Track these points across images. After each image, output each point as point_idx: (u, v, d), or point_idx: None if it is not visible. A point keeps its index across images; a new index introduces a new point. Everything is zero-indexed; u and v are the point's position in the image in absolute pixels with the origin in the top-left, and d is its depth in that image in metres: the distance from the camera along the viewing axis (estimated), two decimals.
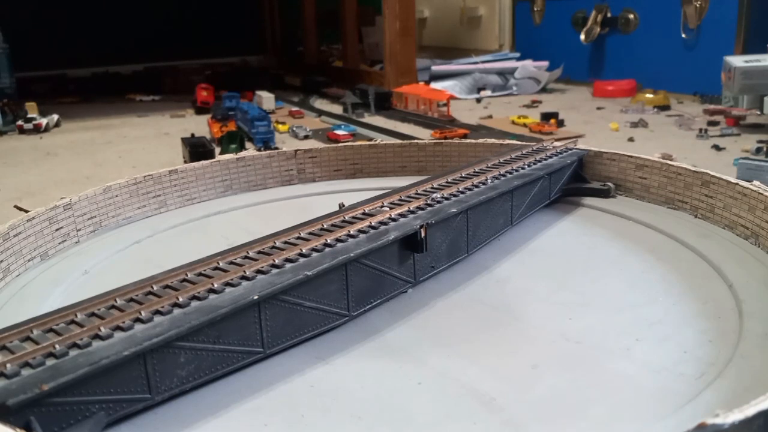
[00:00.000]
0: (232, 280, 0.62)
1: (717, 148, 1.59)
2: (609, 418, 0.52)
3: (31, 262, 0.85)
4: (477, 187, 0.89)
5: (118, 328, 0.54)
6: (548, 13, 3.26)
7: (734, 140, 1.69)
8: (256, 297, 0.59)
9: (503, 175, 0.95)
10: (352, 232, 0.73)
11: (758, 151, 1.49)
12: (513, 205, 0.93)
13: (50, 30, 3.85)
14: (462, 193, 0.87)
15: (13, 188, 1.46)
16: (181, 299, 0.58)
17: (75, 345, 0.52)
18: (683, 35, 2.50)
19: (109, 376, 0.51)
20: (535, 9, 3.32)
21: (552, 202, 1.04)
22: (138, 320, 0.55)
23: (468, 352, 0.64)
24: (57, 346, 0.51)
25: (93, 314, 0.57)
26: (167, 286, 0.61)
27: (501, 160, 1.03)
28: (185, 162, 1.53)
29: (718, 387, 0.54)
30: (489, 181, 0.92)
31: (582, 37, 2.93)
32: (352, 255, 0.68)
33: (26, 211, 0.88)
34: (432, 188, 0.88)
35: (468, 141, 1.26)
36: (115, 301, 0.59)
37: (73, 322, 0.55)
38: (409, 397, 0.57)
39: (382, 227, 0.75)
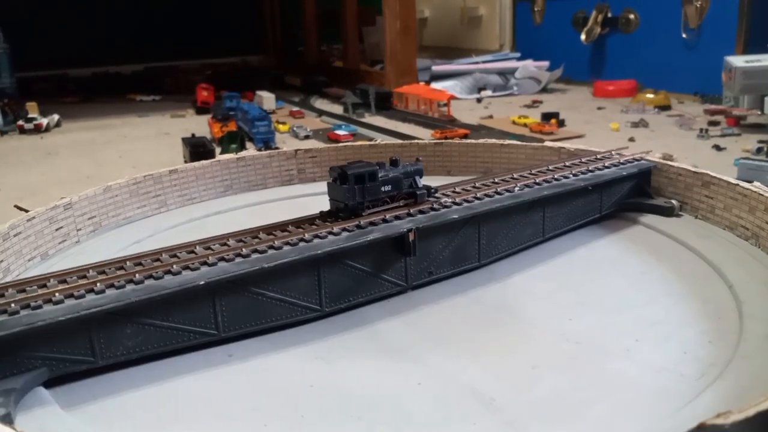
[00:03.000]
0: (192, 264, 0.66)
1: (718, 148, 1.59)
2: (609, 419, 0.52)
3: (31, 261, 0.85)
4: (500, 194, 0.85)
5: (71, 295, 0.60)
6: (549, 12, 3.26)
7: (735, 140, 1.69)
8: (202, 282, 0.63)
9: (538, 184, 0.89)
10: (334, 230, 0.73)
11: (759, 151, 1.48)
12: (545, 216, 0.89)
13: (51, 30, 3.85)
14: (479, 199, 0.83)
15: (13, 188, 1.46)
16: (137, 277, 0.63)
17: (28, 306, 0.58)
18: (684, 35, 2.50)
19: (49, 336, 0.58)
20: (536, 9, 3.32)
21: (607, 216, 0.97)
22: (91, 291, 0.61)
23: (468, 352, 0.64)
24: (12, 305, 0.58)
25: (64, 281, 0.63)
26: (139, 263, 0.67)
27: (550, 167, 0.96)
28: (185, 162, 1.53)
29: (718, 387, 0.54)
30: (517, 188, 0.87)
31: (582, 37, 2.92)
32: (319, 252, 0.69)
33: (26, 211, 0.88)
34: (453, 192, 0.85)
35: (468, 141, 1.26)
36: (88, 272, 0.65)
37: (44, 286, 0.62)
38: (409, 397, 0.57)
39: (370, 227, 0.74)
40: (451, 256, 0.80)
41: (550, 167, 0.97)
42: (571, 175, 0.94)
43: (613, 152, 1.04)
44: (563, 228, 0.92)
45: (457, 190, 0.87)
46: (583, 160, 1.01)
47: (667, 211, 0.96)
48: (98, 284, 0.61)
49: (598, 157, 1.03)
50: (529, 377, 0.59)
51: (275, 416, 0.55)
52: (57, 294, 0.60)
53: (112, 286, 0.62)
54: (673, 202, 0.97)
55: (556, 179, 0.92)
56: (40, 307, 0.58)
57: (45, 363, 0.58)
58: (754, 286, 0.72)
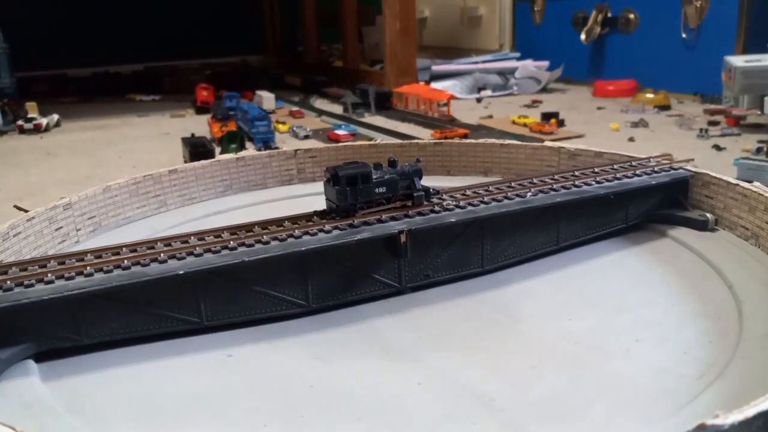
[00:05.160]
0: (179, 254, 0.68)
1: (717, 148, 1.59)
2: (609, 419, 0.52)
3: None
4: (510, 199, 0.82)
5: (62, 276, 0.63)
6: (548, 12, 3.26)
7: (735, 140, 1.69)
8: (181, 272, 0.65)
9: (554, 190, 0.85)
10: (326, 228, 0.73)
11: (758, 151, 1.48)
12: (560, 224, 0.85)
13: (50, 30, 3.85)
14: (485, 203, 0.80)
15: (13, 188, 1.46)
16: (125, 263, 0.66)
17: (22, 284, 0.62)
18: (684, 35, 2.50)
19: (37, 313, 0.61)
20: (536, 9, 3.32)
21: (635, 227, 0.91)
22: (81, 273, 0.64)
23: (468, 353, 0.64)
24: (8, 282, 0.62)
25: (63, 262, 0.67)
26: (134, 250, 0.69)
27: (576, 172, 0.91)
28: (185, 162, 1.53)
29: (717, 388, 0.54)
30: (529, 194, 0.83)
31: (582, 36, 2.92)
32: (303, 249, 0.69)
33: (26, 211, 0.88)
34: (462, 194, 0.83)
35: (468, 141, 1.26)
36: (85, 256, 0.68)
37: (44, 266, 0.66)
38: (408, 397, 0.57)
39: (363, 227, 0.74)
40: (450, 260, 0.78)
41: (576, 173, 0.91)
42: (594, 182, 0.88)
43: (651, 158, 0.98)
44: (581, 237, 0.87)
45: (467, 193, 0.84)
46: (615, 166, 0.94)
47: (701, 225, 0.88)
48: (88, 267, 0.64)
49: (633, 163, 0.96)
50: (529, 377, 0.59)
51: (275, 416, 0.55)
52: (49, 274, 0.63)
53: (101, 270, 0.65)
54: (708, 215, 0.89)
55: (576, 186, 0.87)
56: (32, 285, 0.62)
57: (33, 337, 0.62)
58: (754, 286, 0.72)
